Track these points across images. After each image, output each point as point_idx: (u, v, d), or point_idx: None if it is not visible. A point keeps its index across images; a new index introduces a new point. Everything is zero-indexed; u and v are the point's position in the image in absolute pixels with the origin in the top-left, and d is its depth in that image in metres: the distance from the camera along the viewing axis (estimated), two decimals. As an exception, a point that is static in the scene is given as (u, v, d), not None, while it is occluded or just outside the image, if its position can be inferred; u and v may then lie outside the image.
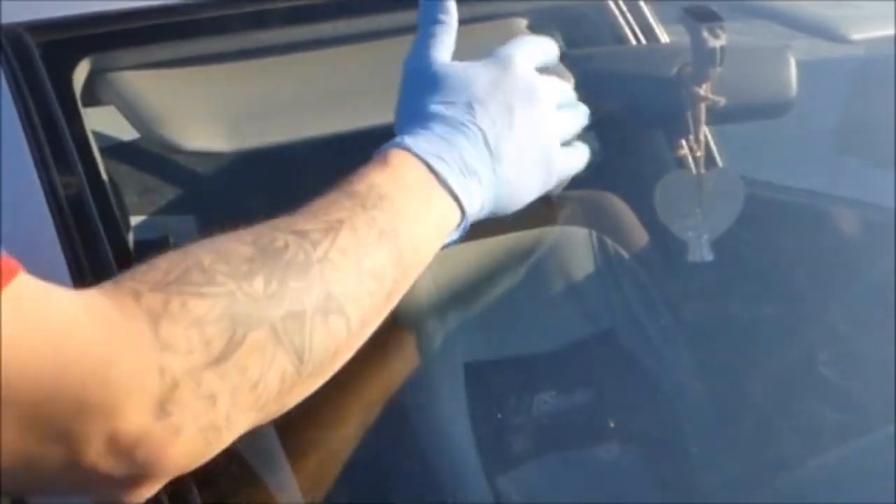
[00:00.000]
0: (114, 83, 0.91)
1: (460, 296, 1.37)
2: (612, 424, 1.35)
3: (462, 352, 1.35)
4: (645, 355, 1.41)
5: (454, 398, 1.31)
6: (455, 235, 0.75)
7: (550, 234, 1.45)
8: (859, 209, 1.56)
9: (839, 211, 1.59)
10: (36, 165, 0.79)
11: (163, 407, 0.55)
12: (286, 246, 0.62)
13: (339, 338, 0.64)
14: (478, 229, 1.45)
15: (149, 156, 2.12)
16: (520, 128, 0.77)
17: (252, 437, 0.89)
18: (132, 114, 0.90)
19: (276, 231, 0.63)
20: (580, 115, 0.89)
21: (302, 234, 0.63)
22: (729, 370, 1.35)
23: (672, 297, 1.43)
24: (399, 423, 1.29)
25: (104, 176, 0.82)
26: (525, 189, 0.80)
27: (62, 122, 0.82)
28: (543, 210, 1.47)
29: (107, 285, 0.59)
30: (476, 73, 0.77)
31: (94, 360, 0.54)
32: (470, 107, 0.75)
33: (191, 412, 0.56)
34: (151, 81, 0.92)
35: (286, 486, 0.90)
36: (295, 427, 0.90)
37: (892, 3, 1.20)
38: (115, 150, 1.89)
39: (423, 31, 0.80)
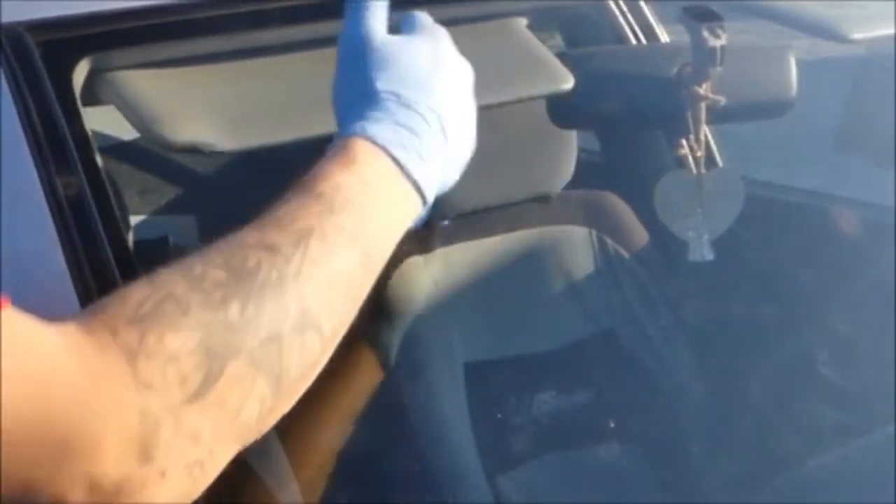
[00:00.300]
0: (113, 83, 0.91)
1: (460, 296, 1.37)
2: (612, 424, 1.36)
3: (462, 352, 1.35)
4: (645, 355, 1.41)
5: (454, 398, 1.31)
6: (415, 223, 0.74)
7: (550, 234, 1.45)
8: (859, 209, 1.56)
9: (839, 211, 1.59)
10: (36, 165, 0.79)
11: (145, 451, 0.54)
12: (258, 265, 0.60)
13: (314, 353, 0.63)
14: (478, 229, 1.47)
15: (149, 156, 2.13)
16: (460, 101, 0.76)
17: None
18: (132, 113, 0.90)
19: (246, 249, 0.61)
20: None
21: (273, 250, 0.62)
22: (729, 370, 1.35)
23: (672, 297, 1.43)
24: (399, 422, 1.29)
25: (104, 176, 0.82)
26: (462, 160, 0.78)
27: (62, 121, 0.81)
28: (543, 210, 1.47)
29: (83, 318, 0.57)
30: (417, 48, 0.75)
31: (76, 404, 0.53)
32: (421, 85, 0.73)
33: (174, 452, 0.55)
34: (151, 81, 0.92)
35: (286, 486, 0.90)
36: (294, 426, 0.90)
37: (893, 3, 1.20)
38: (115, 150, 1.89)
39: (355, 3, 0.76)
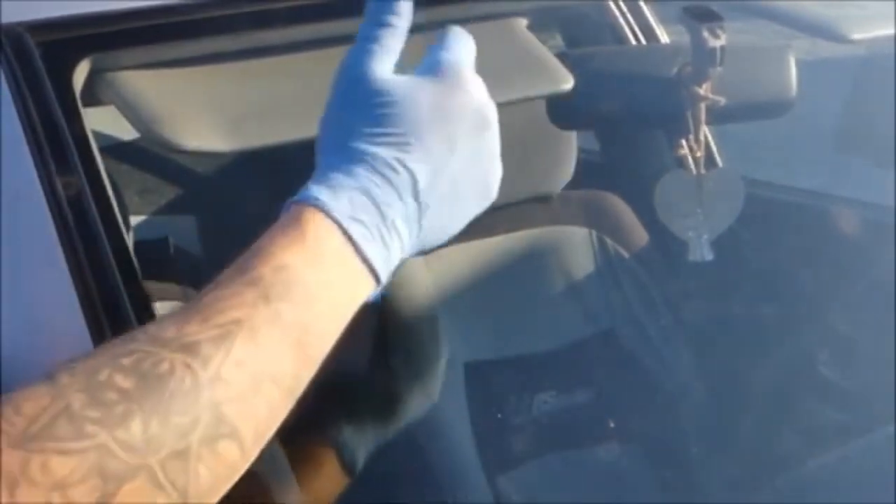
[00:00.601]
0: (114, 83, 0.91)
1: (460, 296, 1.37)
2: (612, 424, 1.36)
3: (462, 352, 1.35)
4: (645, 355, 1.41)
5: (454, 398, 1.31)
6: (369, 300, 0.66)
7: (550, 234, 1.45)
8: (859, 209, 1.56)
9: (839, 211, 1.59)
10: (36, 165, 0.79)
11: None
12: (171, 371, 0.55)
13: (230, 462, 0.57)
14: (478, 229, 1.46)
15: (149, 156, 2.13)
16: (459, 162, 0.67)
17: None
18: (132, 114, 0.90)
19: (162, 349, 0.56)
20: None
21: (191, 350, 0.56)
22: (729, 370, 1.35)
23: (672, 297, 1.43)
24: (399, 423, 1.29)
25: (104, 176, 0.82)
26: (455, 225, 0.70)
27: (62, 122, 0.81)
28: (543, 210, 1.47)
29: None
30: (420, 96, 0.66)
31: None
32: (405, 144, 0.65)
33: None
34: (151, 81, 0.92)
35: (286, 486, 0.90)
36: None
37: (893, 3, 1.20)
38: (115, 150, 1.89)
39: (367, 33, 0.68)
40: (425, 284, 1.35)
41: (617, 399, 1.39)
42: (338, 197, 0.63)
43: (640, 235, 1.45)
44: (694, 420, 1.36)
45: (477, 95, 0.69)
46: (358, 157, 0.64)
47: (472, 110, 0.68)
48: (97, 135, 0.87)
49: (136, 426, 0.53)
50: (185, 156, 1.54)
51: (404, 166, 0.65)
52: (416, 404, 1.30)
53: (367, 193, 0.64)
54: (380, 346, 1.31)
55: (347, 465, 1.00)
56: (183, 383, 0.55)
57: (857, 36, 1.18)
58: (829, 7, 1.23)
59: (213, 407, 0.56)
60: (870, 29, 1.19)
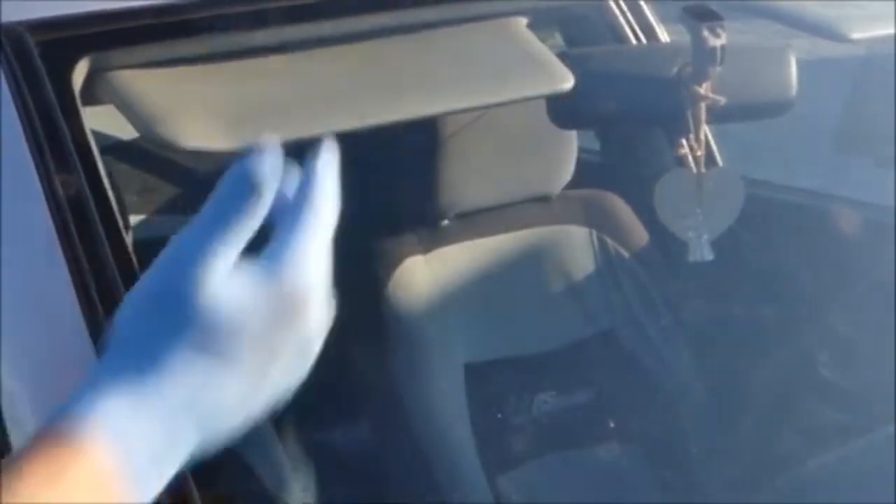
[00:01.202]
0: (113, 82, 0.91)
1: (460, 296, 1.37)
2: (612, 424, 1.36)
3: (462, 352, 1.35)
4: (645, 355, 1.41)
5: (454, 398, 1.31)
6: None
7: (550, 234, 1.45)
8: (859, 209, 1.56)
9: (839, 211, 1.59)
10: (36, 165, 0.79)
11: None
12: None
13: None
14: (478, 229, 1.47)
15: (149, 156, 2.12)
16: (279, 368, 0.58)
17: (252, 438, 0.89)
18: (132, 113, 0.90)
19: None
20: None
21: None
22: (729, 370, 1.35)
23: (672, 297, 1.43)
24: (399, 423, 1.29)
25: (104, 176, 0.82)
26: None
27: (62, 121, 0.81)
28: (543, 210, 1.47)
29: None
30: (247, 316, 0.57)
31: None
32: (221, 364, 0.56)
33: None
34: (151, 81, 0.92)
35: (286, 486, 0.90)
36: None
37: (893, 3, 1.20)
38: (115, 149, 1.89)
39: (215, 225, 0.61)
40: (425, 284, 1.35)
41: (617, 399, 1.39)
42: (119, 417, 0.54)
43: (640, 235, 1.45)
44: (694, 420, 1.36)
45: (312, 310, 0.58)
46: (164, 371, 0.55)
47: (301, 321, 0.58)
48: (97, 135, 0.87)
49: None
50: (185, 156, 1.54)
51: (220, 382, 0.56)
52: (417, 404, 1.30)
53: (157, 418, 0.54)
54: (381, 345, 1.31)
55: None
56: None
57: (857, 36, 1.18)
58: (829, 7, 1.23)
59: None
60: (870, 29, 1.19)
